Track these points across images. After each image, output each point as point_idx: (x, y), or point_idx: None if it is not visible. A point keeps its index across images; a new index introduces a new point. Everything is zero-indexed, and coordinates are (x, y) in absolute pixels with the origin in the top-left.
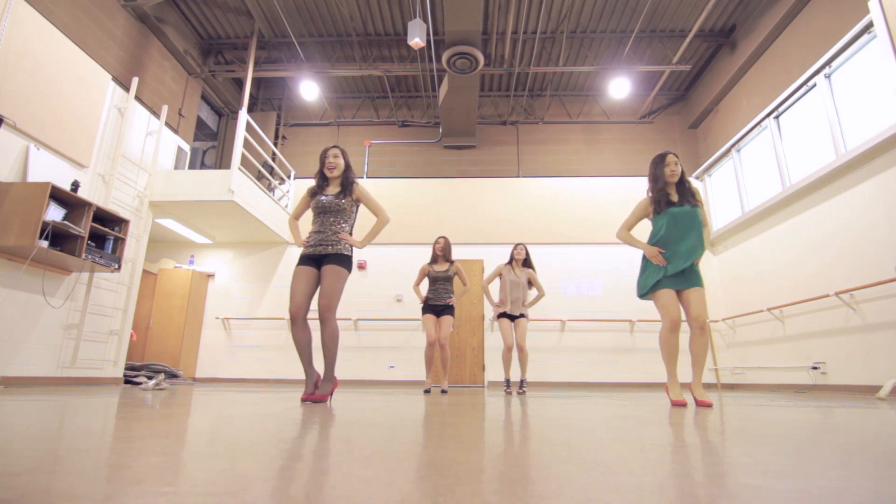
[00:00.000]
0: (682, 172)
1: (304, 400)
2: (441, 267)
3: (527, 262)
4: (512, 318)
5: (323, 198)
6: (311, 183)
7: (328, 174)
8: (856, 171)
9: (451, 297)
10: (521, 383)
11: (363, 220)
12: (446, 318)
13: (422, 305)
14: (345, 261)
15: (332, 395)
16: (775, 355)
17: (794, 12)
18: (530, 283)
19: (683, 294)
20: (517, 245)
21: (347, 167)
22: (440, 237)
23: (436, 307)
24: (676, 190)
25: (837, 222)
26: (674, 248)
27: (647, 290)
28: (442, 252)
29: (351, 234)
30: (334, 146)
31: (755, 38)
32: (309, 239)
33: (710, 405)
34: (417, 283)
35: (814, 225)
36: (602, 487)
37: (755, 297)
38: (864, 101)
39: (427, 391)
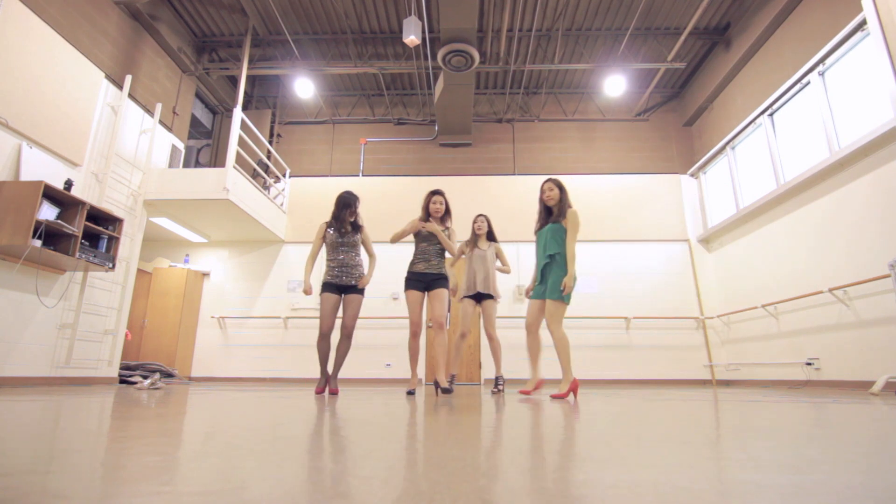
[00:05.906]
0: (558, 197)
1: (318, 392)
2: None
3: (490, 236)
4: (478, 298)
5: (340, 238)
6: (305, 182)
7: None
8: (849, 168)
9: (443, 266)
10: (497, 380)
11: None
12: (441, 293)
13: (405, 278)
14: (362, 291)
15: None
16: (770, 351)
17: (788, 10)
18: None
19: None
20: (477, 217)
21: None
22: (436, 193)
23: (425, 277)
24: (546, 211)
25: (831, 219)
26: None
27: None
28: (438, 215)
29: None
30: (350, 194)
31: (749, 36)
32: (332, 271)
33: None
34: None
35: (808, 222)
36: (598, 483)
37: (749, 293)
38: (857, 98)
39: (411, 392)
